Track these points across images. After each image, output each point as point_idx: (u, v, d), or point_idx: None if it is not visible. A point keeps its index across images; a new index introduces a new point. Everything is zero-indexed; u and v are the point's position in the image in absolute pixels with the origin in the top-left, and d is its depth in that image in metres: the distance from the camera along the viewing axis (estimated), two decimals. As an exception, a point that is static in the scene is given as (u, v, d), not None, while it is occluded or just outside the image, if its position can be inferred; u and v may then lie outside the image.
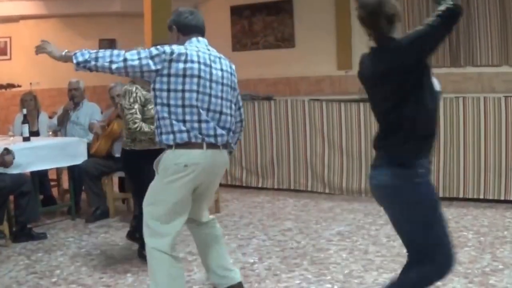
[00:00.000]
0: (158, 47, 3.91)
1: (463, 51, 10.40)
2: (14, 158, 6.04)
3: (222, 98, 4.09)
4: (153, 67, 3.86)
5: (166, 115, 3.93)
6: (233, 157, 8.68)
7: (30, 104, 7.75)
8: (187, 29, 4.12)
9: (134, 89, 5.31)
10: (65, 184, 7.74)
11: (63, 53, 3.97)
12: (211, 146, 3.99)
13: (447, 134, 7.23)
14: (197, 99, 3.93)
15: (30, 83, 11.12)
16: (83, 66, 3.82)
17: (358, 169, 7.89)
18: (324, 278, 4.91)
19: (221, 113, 4.07)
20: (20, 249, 6.02)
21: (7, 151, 6.01)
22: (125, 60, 3.81)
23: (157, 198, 4.06)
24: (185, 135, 3.92)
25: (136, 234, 5.45)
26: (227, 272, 4.47)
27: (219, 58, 4.15)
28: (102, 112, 7.86)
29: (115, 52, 3.85)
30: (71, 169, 7.15)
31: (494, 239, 5.73)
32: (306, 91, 11.91)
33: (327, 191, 8.13)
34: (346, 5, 11.58)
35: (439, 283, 4.67)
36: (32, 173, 6.67)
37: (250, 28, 12.44)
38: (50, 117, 8.01)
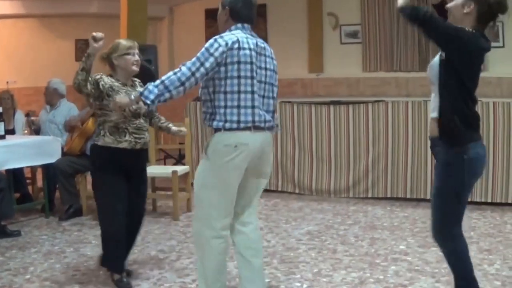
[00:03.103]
0: (212, 42, 3.94)
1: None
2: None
3: (268, 83, 4.21)
4: (215, 64, 3.91)
5: (222, 103, 3.98)
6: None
7: (6, 103, 7.75)
8: (237, 16, 4.17)
9: (99, 76, 4.80)
10: (39, 182, 7.75)
11: (132, 98, 4.04)
12: (259, 129, 4.05)
13: (415, 136, 7.39)
14: (251, 85, 4.03)
15: (7, 82, 11.07)
16: (159, 101, 3.85)
17: (328, 170, 8.01)
18: (293, 277, 4.97)
19: (268, 97, 4.21)
20: (-6, 246, 6.06)
21: None
22: (193, 74, 3.85)
23: (208, 181, 4.07)
24: (235, 120, 3.98)
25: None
26: None
27: (263, 43, 4.27)
28: (78, 113, 7.87)
29: (178, 72, 3.86)
30: (46, 167, 7.16)
31: (460, 240, 5.86)
32: (278, 93, 11.90)
33: (297, 191, 8.24)
34: (318, 10, 11.72)
35: (406, 282, 4.80)
36: (7, 171, 6.69)
37: (224, 31, 12.49)
38: (27, 116, 8.02)
